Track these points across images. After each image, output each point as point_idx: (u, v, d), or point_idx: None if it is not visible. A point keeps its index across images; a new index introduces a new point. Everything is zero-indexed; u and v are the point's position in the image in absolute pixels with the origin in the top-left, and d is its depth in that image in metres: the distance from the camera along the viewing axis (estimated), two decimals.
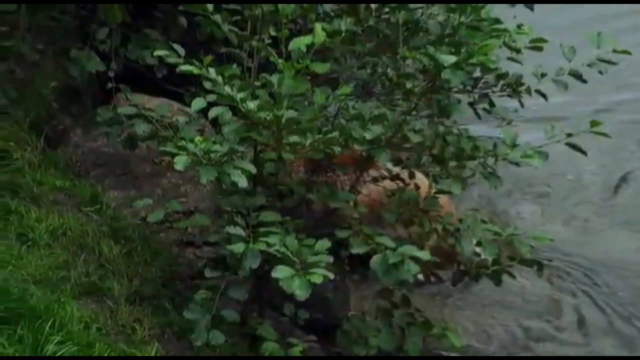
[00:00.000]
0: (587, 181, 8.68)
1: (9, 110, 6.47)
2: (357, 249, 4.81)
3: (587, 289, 7.00)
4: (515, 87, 5.71)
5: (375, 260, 4.54)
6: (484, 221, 5.24)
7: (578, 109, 9.33)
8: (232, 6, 5.34)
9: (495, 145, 4.96)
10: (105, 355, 4.49)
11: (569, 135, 5.06)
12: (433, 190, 5.24)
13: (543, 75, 5.53)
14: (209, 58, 4.72)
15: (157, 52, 5.05)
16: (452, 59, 4.60)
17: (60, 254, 5.35)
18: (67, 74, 6.82)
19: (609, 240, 7.73)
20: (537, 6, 5.94)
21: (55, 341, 4.41)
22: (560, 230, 7.78)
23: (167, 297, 5.36)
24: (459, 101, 5.15)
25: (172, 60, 4.85)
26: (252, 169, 4.57)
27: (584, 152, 5.13)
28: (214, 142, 4.53)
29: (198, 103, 4.93)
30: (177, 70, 4.86)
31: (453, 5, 4.93)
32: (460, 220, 5.14)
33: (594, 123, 4.96)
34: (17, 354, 4.24)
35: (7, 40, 6.86)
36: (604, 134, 4.98)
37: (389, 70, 5.09)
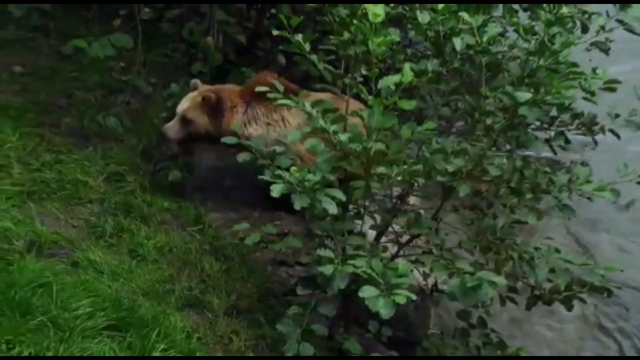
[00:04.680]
0: None
1: (124, 137, 6.65)
2: (438, 273, 4.83)
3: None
4: (589, 126, 5.67)
5: (454, 283, 4.55)
6: (557, 250, 5.19)
7: None
8: (327, 46, 5.42)
9: (570, 180, 4.92)
10: None
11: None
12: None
13: (617, 115, 5.49)
14: (304, 93, 4.78)
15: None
16: (528, 95, 4.62)
17: (166, 269, 5.50)
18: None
19: None
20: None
21: (160, 348, 4.54)
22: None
23: (261, 311, 5.45)
24: (536, 137, 5.13)
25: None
26: (342, 197, 4.62)
27: None
28: (308, 171, 4.60)
29: (294, 134, 5.03)
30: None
31: (533, 48, 4.92)
32: (536, 249, 5.10)
33: None
34: None
35: (125, 74, 7.08)
36: None
37: (471, 107, 5.08)
